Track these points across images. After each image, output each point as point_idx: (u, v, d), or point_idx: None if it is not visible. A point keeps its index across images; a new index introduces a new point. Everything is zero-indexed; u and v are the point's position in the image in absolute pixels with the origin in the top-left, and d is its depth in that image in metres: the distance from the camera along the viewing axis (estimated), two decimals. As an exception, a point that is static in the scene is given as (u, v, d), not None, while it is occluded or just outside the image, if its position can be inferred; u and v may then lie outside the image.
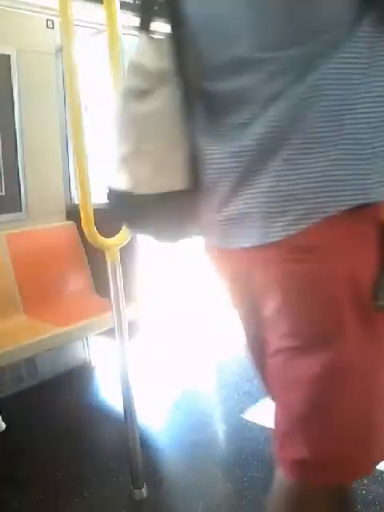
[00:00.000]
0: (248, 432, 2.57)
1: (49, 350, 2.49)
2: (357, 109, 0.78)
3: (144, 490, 2.08)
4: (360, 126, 0.78)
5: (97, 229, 1.80)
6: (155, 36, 0.96)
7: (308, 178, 0.80)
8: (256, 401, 2.86)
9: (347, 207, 0.78)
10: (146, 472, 2.14)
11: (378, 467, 0.96)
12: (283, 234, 0.82)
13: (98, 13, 1.95)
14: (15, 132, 2.86)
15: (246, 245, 0.88)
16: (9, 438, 2.01)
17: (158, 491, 2.13)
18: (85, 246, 3.01)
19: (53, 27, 2.97)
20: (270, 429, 1.00)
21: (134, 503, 2.06)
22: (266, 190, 0.83)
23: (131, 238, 2.00)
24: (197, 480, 2.26)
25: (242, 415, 2.74)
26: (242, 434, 2.57)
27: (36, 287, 2.87)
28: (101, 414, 2.75)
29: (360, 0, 0.78)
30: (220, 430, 2.73)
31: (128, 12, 3.03)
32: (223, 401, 2.92)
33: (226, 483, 2.22)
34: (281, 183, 0.81)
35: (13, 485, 2.15)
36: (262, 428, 2.58)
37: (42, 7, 2.84)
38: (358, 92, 0.78)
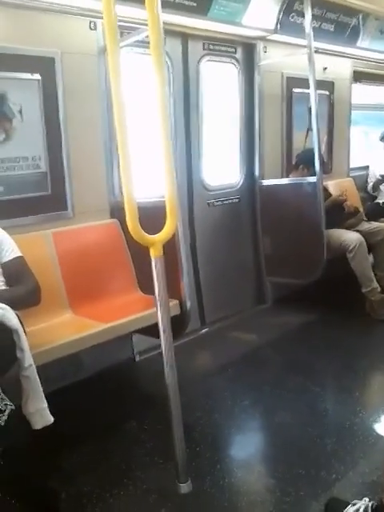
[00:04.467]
0: (293, 428, 2.57)
1: (94, 345, 2.52)
2: None
3: (188, 484, 2.10)
4: None
5: (140, 226, 1.83)
6: None
7: None
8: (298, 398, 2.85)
9: None
10: (191, 466, 2.16)
11: None
12: None
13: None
14: (60, 133, 2.92)
15: None
16: (55, 432, 2.05)
17: (202, 486, 2.14)
18: (128, 243, 3.05)
19: (95, 29, 3.01)
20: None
21: (178, 497, 2.08)
22: None
23: (174, 234, 2.02)
24: (241, 475, 2.27)
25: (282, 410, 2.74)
26: (287, 429, 2.57)
27: (81, 284, 2.92)
28: (145, 409, 2.78)
29: None
30: (266, 425, 2.73)
31: (170, 11, 3.09)
32: (269, 394, 2.92)
33: (269, 479, 2.22)
34: None
35: (60, 476, 2.20)
36: (306, 425, 2.57)
37: (86, 9, 2.89)
38: None
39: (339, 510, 1.87)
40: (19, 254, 2.29)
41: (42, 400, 1.98)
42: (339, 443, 2.43)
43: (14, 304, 2.04)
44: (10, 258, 2.27)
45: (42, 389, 1.99)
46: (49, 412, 1.99)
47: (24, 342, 1.93)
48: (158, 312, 2.00)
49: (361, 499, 1.85)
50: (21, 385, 1.95)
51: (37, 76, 2.78)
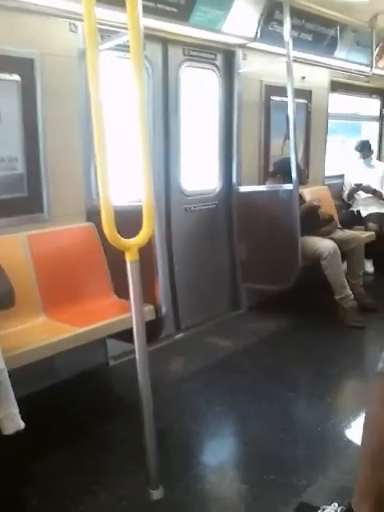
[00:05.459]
0: (265, 433, 2.58)
1: (67, 349, 2.50)
2: None
3: (160, 491, 2.09)
4: None
5: (116, 230, 1.82)
6: None
7: None
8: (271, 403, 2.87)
9: None
10: (163, 472, 2.14)
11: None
12: None
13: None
14: (38, 134, 2.89)
15: None
16: (26, 437, 2.03)
17: (174, 492, 2.14)
18: (104, 247, 3.04)
19: (76, 31, 3.00)
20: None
21: (149, 503, 2.07)
22: None
23: (151, 238, 2.02)
24: (213, 481, 2.27)
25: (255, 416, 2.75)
26: (260, 435, 2.58)
27: (56, 288, 2.89)
28: (118, 414, 2.77)
29: None
30: (239, 431, 2.74)
31: (150, 16, 3.09)
32: (242, 400, 2.93)
33: (241, 485, 2.23)
34: None
35: (30, 483, 2.17)
36: (278, 430, 2.58)
37: (66, 11, 2.87)
38: None
39: None
40: None
41: (13, 405, 1.95)
42: (310, 449, 2.46)
43: (-13, 307, 2.01)
44: None
45: (13, 393, 1.96)
46: (20, 417, 1.96)
47: (-4, 346, 1.90)
48: (133, 317, 1.99)
49: (330, 504, 1.88)
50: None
51: (16, 77, 2.75)
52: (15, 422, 1.95)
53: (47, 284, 2.85)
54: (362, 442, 1.75)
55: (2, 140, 2.75)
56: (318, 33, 4.50)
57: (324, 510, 1.87)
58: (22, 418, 1.98)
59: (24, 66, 2.79)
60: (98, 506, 2.09)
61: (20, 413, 1.98)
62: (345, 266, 4.38)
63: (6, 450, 2.08)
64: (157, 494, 2.09)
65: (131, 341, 2.05)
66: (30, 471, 2.22)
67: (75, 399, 2.91)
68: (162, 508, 2.06)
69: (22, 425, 1.96)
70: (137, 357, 2.03)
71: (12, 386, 1.97)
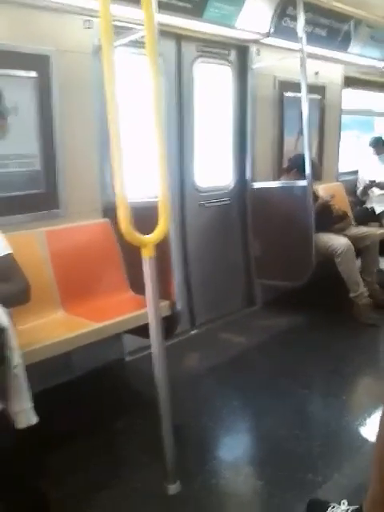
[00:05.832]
0: (280, 430, 2.58)
1: (84, 345, 2.52)
2: None
3: (177, 486, 2.11)
4: None
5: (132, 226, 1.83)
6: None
7: None
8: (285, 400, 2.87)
9: None
10: (179, 467, 2.16)
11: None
12: None
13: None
14: (55, 131, 2.91)
15: None
16: (44, 431, 2.04)
17: (190, 487, 2.15)
18: (120, 243, 3.05)
19: (91, 27, 3.01)
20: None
21: (166, 498, 2.09)
22: None
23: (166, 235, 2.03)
24: (229, 477, 2.28)
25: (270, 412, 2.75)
26: (275, 431, 2.58)
27: (73, 283, 2.91)
28: (134, 409, 2.78)
29: None
30: (254, 427, 2.74)
31: (164, 12, 3.09)
32: (257, 396, 2.93)
33: (256, 481, 2.23)
34: None
35: (48, 475, 2.19)
36: (293, 427, 2.58)
37: (81, 7, 2.88)
38: None
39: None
40: (9, 250, 2.25)
41: (27, 400, 1.95)
42: (325, 446, 2.45)
43: (4, 302, 2.02)
44: (0, 254, 2.24)
45: (28, 388, 1.97)
46: (34, 412, 1.97)
47: (13, 340, 1.91)
48: (149, 313, 2.00)
49: (340, 503, 1.86)
50: (7, 383, 1.93)
51: (32, 74, 2.77)
52: (29, 417, 1.96)
53: (65, 279, 2.87)
54: (377, 440, 1.72)
55: (19, 137, 2.77)
56: (332, 28, 4.46)
57: (333, 507, 1.85)
58: (41, 412, 1.99)
59: (40, 63, 2.80)
60: (116, 499, 2.10)
61: (38, 407, 2.00)
62: (359, 263, 4.35)
63: (23, 443, 2.11)
64: (173, 489, 2.10)
65: (147, 336, 2.07)
66: (48, 464, 2.25)
67: (92, 394, 2.93)
68: (179, 502, 2.07)
69: (35, 420, 1.97)
70: (153, 352, 2.04)
71: (30, 381, 1.98)
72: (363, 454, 2.34)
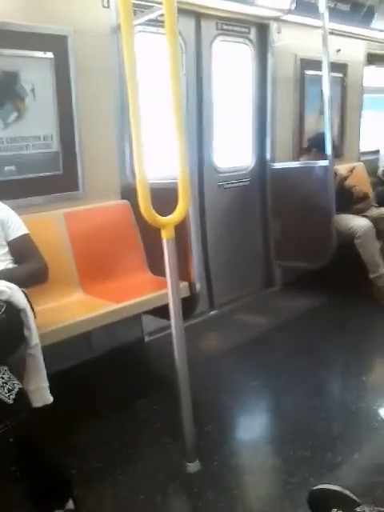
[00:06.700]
0: (299, 410, 2.59)
1: (104, 325, 2.54)
2: None
3: (196, 464, 2.14)
4: None
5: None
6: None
7: None
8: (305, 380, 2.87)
9: None
10: (199, 446, 2.19)
11: None
12: None
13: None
14: (72, 112, 2.90)
15: None
16: (65, 410, 2.08)
17: (209, 465, 2.17)
18: (139, 224, 3.06)
19: (108, 7, 2.98)
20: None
21: (186, 475, 2.12)
22: None
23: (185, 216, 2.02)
24: (247, 456, 2.30)
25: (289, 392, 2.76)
26: (294, 411, 2.59)
27: (92, 264, 2.93)
28: (153, 388, 2.81)
29: None
30: (273, 407, 2.75)
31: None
32: (276, 376, 2.94)
33: (275, 460, 2.25)
34: None
35: (70, 453, 2.23)
36: (312, 407, 2.59)
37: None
38: None
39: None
40: (26, 231, 2.27)
41: (43, 379, 1.98)
42: (345, 426, 2.46)
43: (22, 282, 2.04)
44: (17, 235, 2.24)
45: (44, 368, 1.99)
46: (49, 391, 2.00)
47: (31, 320, 1.93)
48: (169, 293, 2.01)
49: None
50: (25, 362, 1.96)
51: (49, 54, 2.76)
52: (44, 396, 1.99)
53: (84, 260, 2.89)
54: None
55: (37, 118, 2.77)
56: (356, 2, 4.35)
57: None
58: (61, 392, 2.03)
59: (57, 44, 2.78)
60: (136, 476, 2.14)
61: (61, 385, 2.03)
62: (380, 244, 4.30)
63: (45, 421, 2.15)
64: (193, 467, 2.13)
65: (166, 317, 2.08)
66: (70, 442, 2.29)
67: (112, 374, 2.96)
68: (199, 480, 2.09)
69: (50, 399, 2.00)
70: (173, 332, 2.05)
71: (51, 361, 2.02)
72: (382, 436, 2.34)
